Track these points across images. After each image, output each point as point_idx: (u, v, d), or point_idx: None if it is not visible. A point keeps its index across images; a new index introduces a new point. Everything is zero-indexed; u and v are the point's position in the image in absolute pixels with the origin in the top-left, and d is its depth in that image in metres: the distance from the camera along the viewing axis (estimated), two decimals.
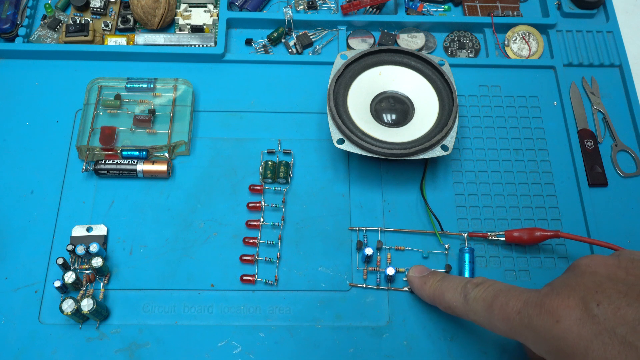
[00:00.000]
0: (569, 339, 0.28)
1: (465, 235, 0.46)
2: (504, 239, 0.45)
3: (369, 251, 0.43)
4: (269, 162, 0.48)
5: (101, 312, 0.41)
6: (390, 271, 0.43)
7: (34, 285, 0.43)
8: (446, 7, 0.57)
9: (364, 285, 0.44)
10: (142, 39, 0.53)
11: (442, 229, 0.46)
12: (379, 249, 0.45)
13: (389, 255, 0.45)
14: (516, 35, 0.55)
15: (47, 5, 0.54)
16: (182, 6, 0.55)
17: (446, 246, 0.46)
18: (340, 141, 0.45)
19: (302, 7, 0.56)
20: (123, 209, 0.46)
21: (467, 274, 0.44)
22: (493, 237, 0.46)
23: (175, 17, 0.54)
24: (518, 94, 0.53)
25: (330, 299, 0.44)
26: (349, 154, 0.49)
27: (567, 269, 0.33)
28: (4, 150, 0.48)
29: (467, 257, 0.44)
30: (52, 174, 0.47)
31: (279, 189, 0.47)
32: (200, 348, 0.42)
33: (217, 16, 0.55)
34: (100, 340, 0.41)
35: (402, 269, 0.44)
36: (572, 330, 0.28)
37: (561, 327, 0.29)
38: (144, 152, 0.47)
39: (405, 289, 0.44)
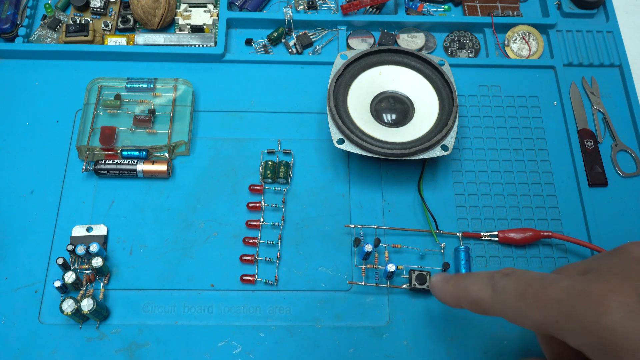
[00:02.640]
0: (619, 333, 0.25)
1: (460, 235, 0.46)
2: (497, 239, 0.45)
3: (368, 248, 0.43)
4: (269, 162, 0.48)
5: (101, 312, 0.41)
6: (391, 267, 0.42)
7: (34, 285, 0.43)
8: (446, 7, 0.57)
9: (364, 283, 0.44)
10: (142, 39, 0.53)
11: (437, 228, 0.46)
12: (376, 246, 0.45)
13: (386, 253, 0.45)
14: (516, 35, 0.55)
15: (47, 5, 0.54)
16: (182, 6, 0.55)
17: (441, 245, 0.46)
18: (340, 141, 0.45)
19: (302, 7, 0.56)
20: (123, 209, 0.46)
21: (463, 272, 0.44)
22: (486, 237, 0.46)
23: (175, 17, 0.54)
24: (518, 94, 0.53)
25: (330, 299, 0.44)
26: (349, 154, 0.49)
27: (612, 253, 0.30)
28: (4, 150, 0.48)
29: (462, 255, 0.44)
30: (52, 174, 0.47)
31: (279, 189, 0.47)
32: (200, 348, 0.42)
33: (217, 16, 0.55)
34: (100, 340, 0.41)
35: (401, 267, 0.44)
36: (623, 323, 0.25)
37: (610, 318, 0.26)
38: (144, 152, 0.47)
39: (404, 286, 0.43)
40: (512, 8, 0.57)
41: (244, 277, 0.44)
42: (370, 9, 0.56)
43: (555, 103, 0.53)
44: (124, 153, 0.47)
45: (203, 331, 0.42)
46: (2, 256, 0.44)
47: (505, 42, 0.55)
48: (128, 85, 0.50)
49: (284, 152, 0.49)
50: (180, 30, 0.55)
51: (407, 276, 0.44)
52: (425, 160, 0.48)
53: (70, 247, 0.43)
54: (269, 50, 0.54)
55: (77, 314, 0.40)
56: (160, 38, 0.53)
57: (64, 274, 0.41)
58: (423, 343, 0.42)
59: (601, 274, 0.28)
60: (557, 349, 0.34)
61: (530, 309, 0.30)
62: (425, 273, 0.43)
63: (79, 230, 0.45)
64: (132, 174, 0.47)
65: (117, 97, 0.50)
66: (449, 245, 0.46)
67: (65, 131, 0.49)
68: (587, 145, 0.50)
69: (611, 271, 0.28)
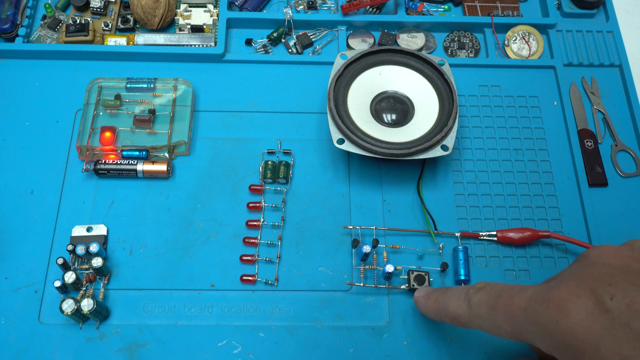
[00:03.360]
0: (579, 334, 0.27)
1: (458, 234, 0.46)
2: (495, 238, 0.45)
3: (367, 249, 0.43)
4: (269, 162, 0.48)
5: (101, 312, 0.41)
6: (390, 268, 0.42)
7: (34, 285, 0.43)
8: (446, 7, 0.58)
9: (362, 284, 0.44)
10: (142, 39, 0.53)
11: (436, 229, 0.46)
12: (374, 247, 0.45)
13: (384, 254, 0.45)
14: (516, 35, 0.55)
15: (47, 5, 0.54)
16: (182, 6, 0.55)
17: (440, 245, 0.46)
18: (340, 141, 0.45)
19: (302, 7, 0.56)
20: (123, 209, 0.46)
21: (462, 272, 0.44)
22: (485, 237, 0.46)
23: (175, 17, 0.54)
24: (518, 94, 0.53)
25: (330, 299, 0.44)
26: (349, 154, 0.49)
27: (576, 260, 0.31)
28: (4, 150, 0.48)
29: (461, 255, 0.44)
30: (52, 174, 0.47)
31: (279, 189, 0.47)
32: (200, 348, 0.42)
33: (217, 16, 0.55)
34: (100, 340, 0.41)
35: (399, 267, 0.44)
36: (582, 324, 0.27)
37: (570, 321, 0.27)
38: (144, 152, 0.47)
39: (403, 286, 0.43)
40: (512, 8, 0.57)
41: (244, 277, 0.44)
42: (370, 9, 0.56)
43: (555, 103, 0.53)
44: (124, 153, 0.47)
45: (203, 331, 0.42)
46: (2, 256, 0.44)
47: (505, 42, 0.55)
48: (128, 85, 0.50)
49: (284, 152, 0.49)
50: (180, 30, 0.55)
51: (406, 277, 0.44)
52: (425, 160, 0.48)
53: (70, 247, 0.43)
54: (269, 50, 0.54)
55: (77, 314, 0.40)
56: (160, 38, 0.53)
57: (64, 274, 0.41)
58: (423, 343, 0.42)
59: (562, 280, 0.29)
60: (539, 352, 0.36)
61: (501, 320, 0.31)
62: (423, 274, 0.43)
63: (79, 230, 0.45)
64: (132, 174, 0.47)
65: (117, 97, 0.50)
66: (449, 245, 0.46)
67: (65, 131, 0.49)
68: (587, 145, 0.50)
69: (571, 276, 0.29)
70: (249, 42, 0.55)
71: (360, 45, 0.55)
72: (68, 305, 0.40)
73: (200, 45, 0.53)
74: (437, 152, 0.44)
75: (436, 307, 0.38)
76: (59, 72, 0.52)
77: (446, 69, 0.48)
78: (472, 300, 0.34)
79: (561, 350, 0.28)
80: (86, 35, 0.52)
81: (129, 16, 0.55)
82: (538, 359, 0.37)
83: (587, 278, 0.28)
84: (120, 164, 0.47)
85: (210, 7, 0.55)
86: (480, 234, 0.46)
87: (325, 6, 0.57)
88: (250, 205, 0.46)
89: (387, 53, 0.49)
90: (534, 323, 0.29)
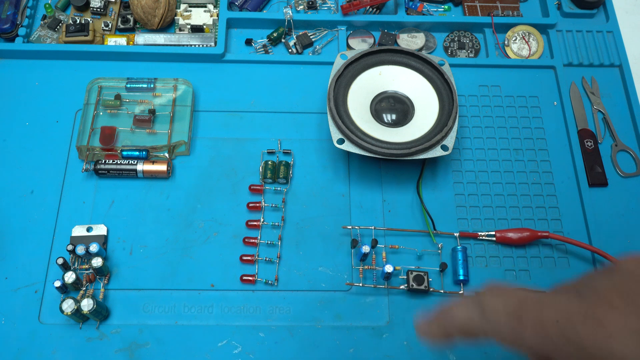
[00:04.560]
0: (618, 354, 0.25)
1: (457, 234, 0.46)
2: (494, 238, 0.45)
3: (366, 249, 0.43)
4: (269, 162, 0.48)
5: (101, 312, 0.41)
6: (389, 268, 0.42)
7: (34, 285, 0.43)
8: (446, 7, 0.57)
9: (361, 284, 0.44)
10: (142, 39, 0.53)
11: (434, 229, 0.46)
12: (373, 247, 0.45)
13: (384, 254, 0.45)
14: (516, 35, 0.55)
15: (47, 5, 0.54)
16: (182, 6, 0.55)
17: (439, 245, 0.46)
18: (340, 141, 0.45)
19: (302, 7, 0.56)
20: (123, 209, 0.46)
21: (460, 272, 0.44)
22: (484, 237, 0.46)
23: (175, 17, 0.54)
24: (518, 94, 0.53)
25: (330, 299, 0.44)
26: (349, 154, 0.49)
27: (608, 269, 0.29)
28: (4, 150, 0.48)
29: (459, 255, 0.44)
30: (52, 174, 0.47)
31: (279, 189, 0.47)
32: (200, 348, 0.42)
33: (217, 16, 0.55)
34: (100, 340, 0.41)
35: (398, 267, 0.44)
36: (628, 346, 0.25)
37: (616, 342, 0.25)
38: (144, 152, 0.47)
39: (402, 287, 0.43)
40: (512, 8, 0.57)
41: (244, 277, 0.44)
42: (370, 9, 0.56)
43: (555, 103, 0.53)
44: (124, 153, 0.47)
45: (203, 331, 0.42)
46: (2, 256, 0.44)
47: (505, 42, 0.55)
48: (128, 85, 0.50)
49: (284, 152, 0.49)
50: (180, 30, 0.55)
51: (405, 277, 0.44)
52: (425, 160, 0.48)
53: (70, 247, 0.43)
54: (269, 50, 0.54)
55: (77, 314, 0.40)
56: (160, 38, 0.53)
57: (64, 274, 0.41)
58: (423, 343, 0.42)
59: (602, 295, 0.27)
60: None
61: (527, 331, 0.29)
62: (422, 274, 0.43)
63: (79, 230, 0.45)
64: (132, 174, 0.47)
65: (117, 97, 0.50)
66: (449, 245, 0.46)
67: (65, 131, 0.49)
68: (587, 145, 0.50)
69: (613, 290, 0.27)
70: (249, 42, 0.55)
71: (360, 45, 0.55)
72: (68, 305, 0.40)
73: (200, 45, 0.53)
74: (437, 152, 0.44)
75: (441, 324, 0.35)
76: (59, 72, 0.52)
77: (446, 69, 0.48)
78: (486, 305, 0.32)
79: None
80: (86, 35, 0.52)
81: (129, 16, 0.55)
82: None
83: (632, 295, 0.26)
84: (120, 164, 0.47)
85: (210, 7, 0.55)
86: (479, 234, 0.46)
87: (325, 6, 0.57)
88: (250, 205, 0.46)
89: (387, 53, 0.49)
90: (569, 339, 0.27)
